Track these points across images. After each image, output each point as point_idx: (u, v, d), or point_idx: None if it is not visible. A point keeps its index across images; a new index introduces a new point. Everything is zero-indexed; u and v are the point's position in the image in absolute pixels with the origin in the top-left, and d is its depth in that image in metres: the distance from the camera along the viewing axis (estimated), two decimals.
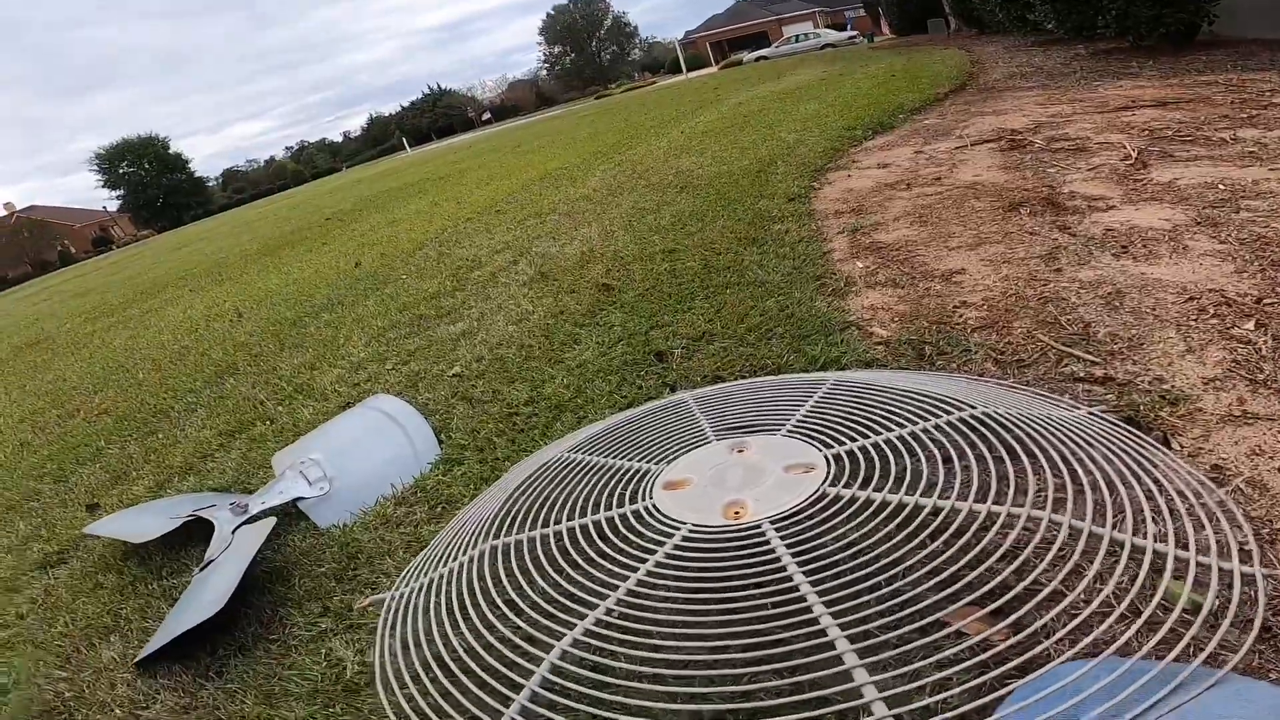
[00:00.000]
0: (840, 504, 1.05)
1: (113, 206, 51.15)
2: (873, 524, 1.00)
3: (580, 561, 1.08)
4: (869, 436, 1.24)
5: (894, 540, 0.96)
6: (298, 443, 2.13)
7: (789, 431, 1.33)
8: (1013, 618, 0.83)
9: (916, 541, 0.94)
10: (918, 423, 1.26)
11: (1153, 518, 0.99)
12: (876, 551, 0.95)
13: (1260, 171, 2.64)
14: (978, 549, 0.90)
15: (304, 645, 1.39)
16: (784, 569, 0.91)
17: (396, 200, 10.04)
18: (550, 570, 1.09)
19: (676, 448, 1.38)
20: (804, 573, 0.90)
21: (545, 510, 1.29)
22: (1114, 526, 0.92)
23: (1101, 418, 1.32)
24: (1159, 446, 1.23)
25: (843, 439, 1.25)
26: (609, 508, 1.21)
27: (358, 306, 4.03)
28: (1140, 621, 0.80)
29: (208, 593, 1.52)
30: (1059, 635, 0.86)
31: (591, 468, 1.40)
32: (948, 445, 1.19)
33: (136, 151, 49.70)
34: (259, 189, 56.98)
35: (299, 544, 1.75)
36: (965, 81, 6.96)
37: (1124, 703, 0.67)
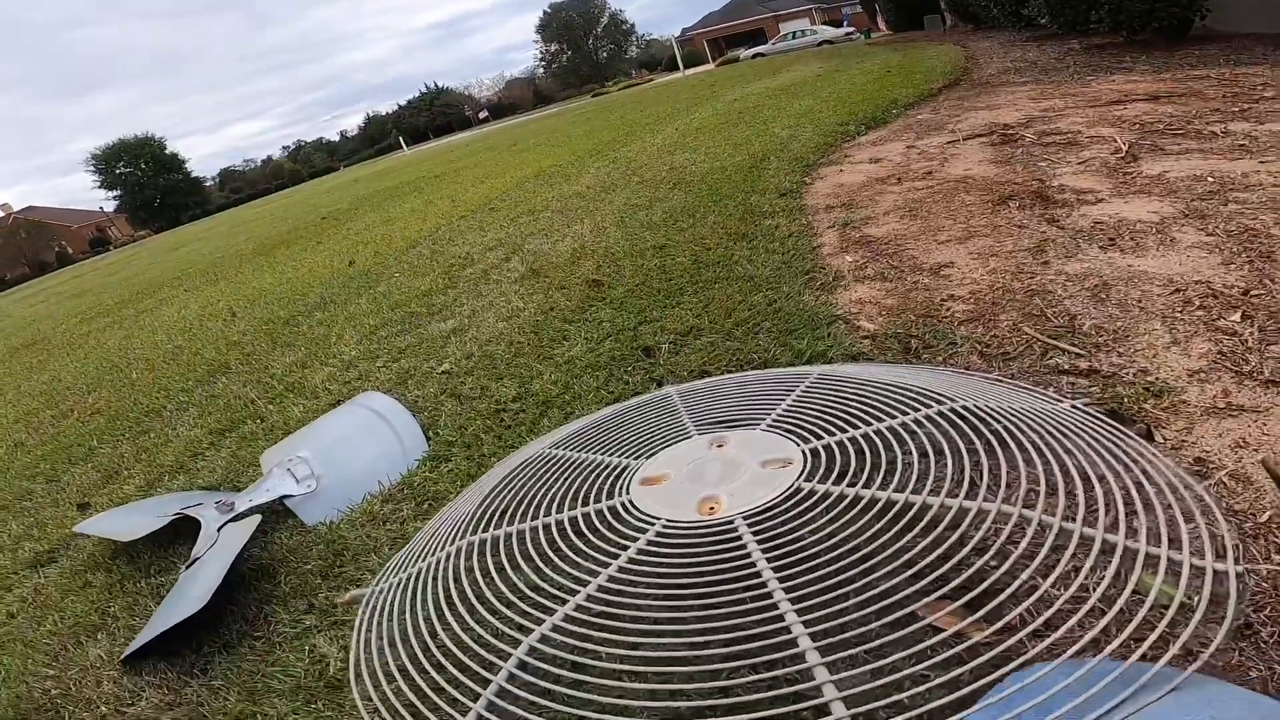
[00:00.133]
0: (814, 499, 1.05)
1: (110, 207, 51.16)
2: (845, 519, 0.99)
3: (554, 557, 1.08)
4: (848, 431, 1.24)
5: (866, 535, 0.96)
6: (286, 440, 2.13)
7: (769, 426, 1.32)
8: (983, 611, 0.83)
9: (889, 536, 0.93)
10: (898, 416, 1.26)
11: (1130, 513, 0.99)
12: (848, 547, 0.94)
13: (1250, 164, 2.64)
14: (948, 543, 0.89)
15: (288, 642, 1.39)
16: (754, 565, 0.91)
17: (392, 199, 10.03)
18: (525, 567, 1.09)
19: (657, 442, 1.38)
20: (773, 569, 0.90)
21: (523, 506, 1.29)
22: (1088, 523, 0.92)
23: (1084, 411, 1.31)
24: (1141, 440, 1.23)
25: (821, 433, 1.25)
26: (585, 503, 1.21)
27: (350, 305, 4.02)
28: (1110, 615, 0.79)
29: (193, 590, 1.52)
30: (1032, 627, 0.85)
31: (572, 463, 1.40)
32: (926, 440, 1.19)
33: (133, 152, 49.66)
34: (256, 189, 56.91)
35: (286, 541, 1.75)
36: (959, 77, 6.95)
37: (1087, 703, 0.67)
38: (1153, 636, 0.75)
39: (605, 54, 61.20)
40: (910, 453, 1.13)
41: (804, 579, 0.88)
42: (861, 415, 1.29)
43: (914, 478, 1.05)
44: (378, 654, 1.04)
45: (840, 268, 2.51)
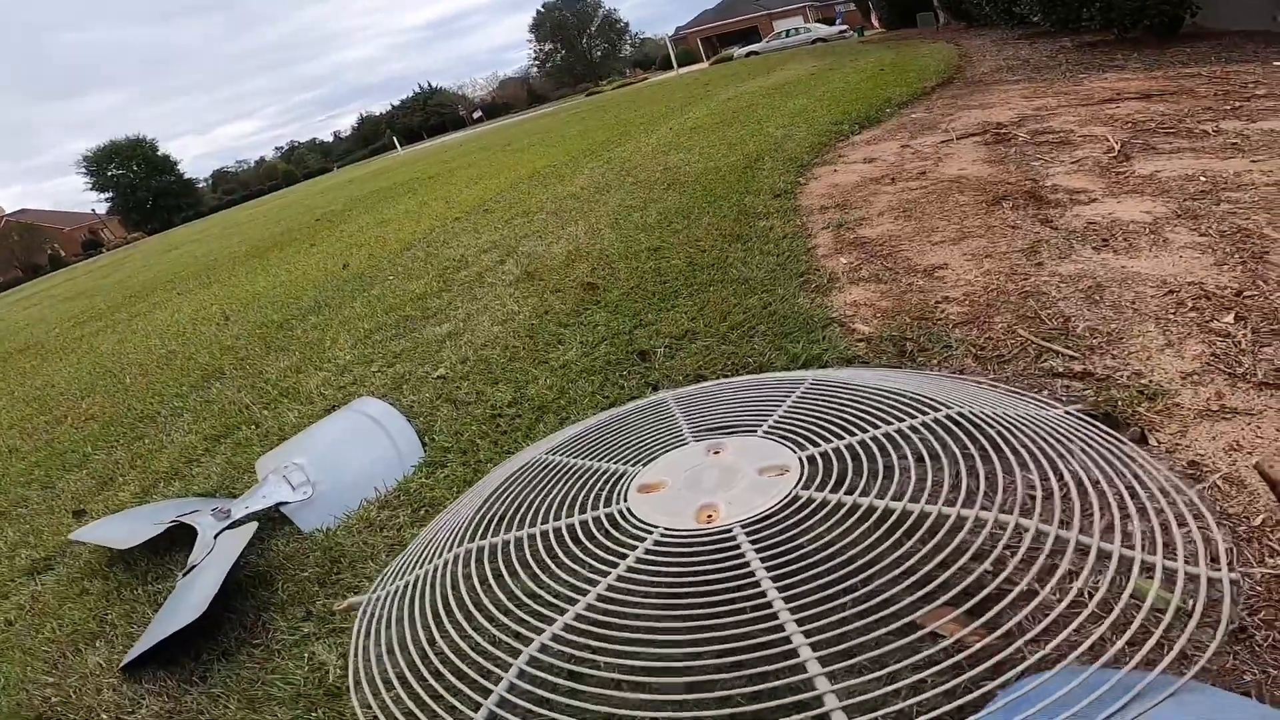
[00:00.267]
0: (812, 507, 1.05)
1: (102, 209, 50.92)
2: (844, 527, 1.00)
3: (552, 565, 1.08)
4: (844, 438, 1.24)
5: (864, 544, 0.96)
6: (281, 447, 2.12)
7: (766, 432, 1.33)
8: (984, 617, 0.83)
9: (888, 544, 0.94)
10: (894, 423, 1.26)
11: (1125, 519, 0.99)
12: (847, 555, 0.95)
13: (1242, 163, 2.65)
14: (947, 551, 0.90)
15: (287, 649, 1.39)
16: (753, 574, 0.91)
17: (386, 200, 10.00)
18: (523, 574, 1.09)
19: (654, 449, 1.38)
20: (772, 578, 0.90)
21: (521, 513, 1.29)
22: (1084, 530, 0.92)
23: (1078, 416, 1.32)
24: (1134, 445, 1.24)
25: (818, 440, 1.25)
26: (584, 511, 1.21)
27: (344, 309, 4.01)
28: (1105, 625, 0.80)
29: (191, 597, 1.51)
30: (1030, 635, 0.86)
31: (569, 470, 1.40)
32: (922, 446, 1.19)
33: (125, 153, 49.40)
34: (249, 190, 56.69)
35: (282, 548, 1.75)
36: (953, 75, 6.96)
37: (1089, 709, 0.67)
38: (1150, 642, 0.76)
39: (599, 53, 61.12)
40: (907, 459, 1.14)
41: (803, 588, 0.88)
42: (857, 422, 1.29)
43: (911, 484, 1.06)
44: (376, 661, 1.04)
45: (835, 270, 2.51)
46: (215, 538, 1.74)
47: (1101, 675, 0.72)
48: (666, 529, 1.07)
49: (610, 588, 0.97)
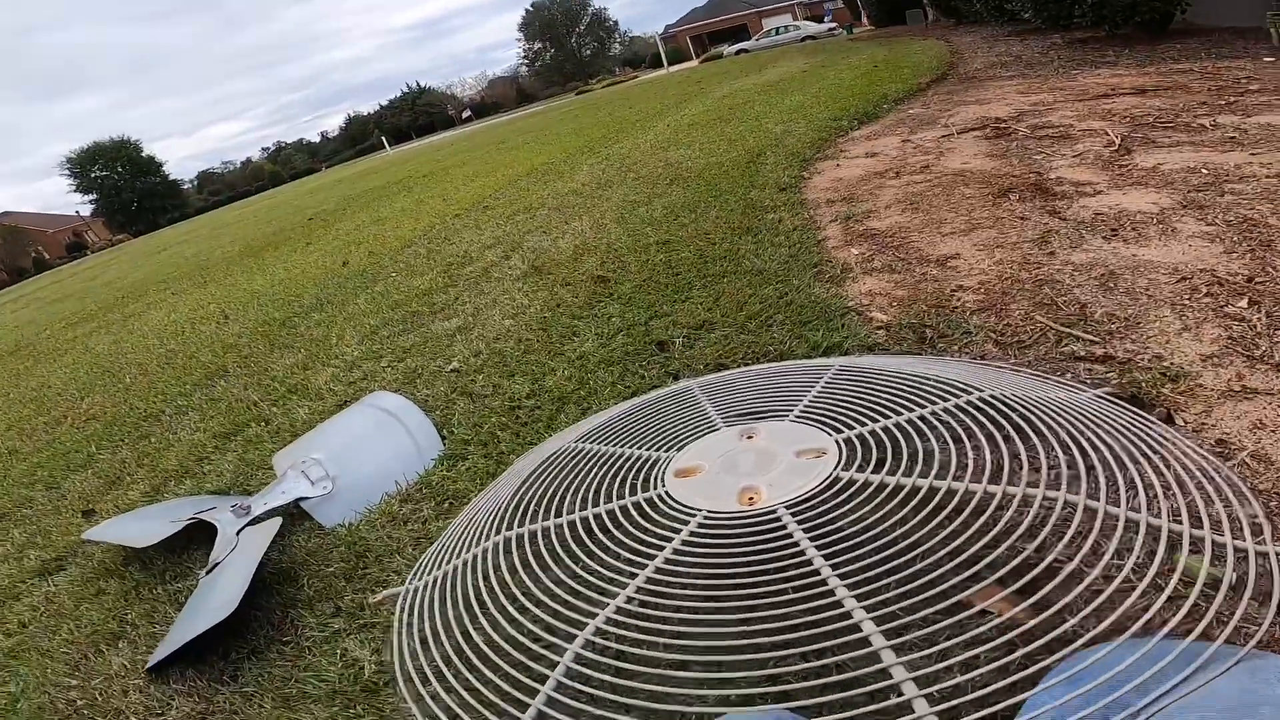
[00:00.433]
0: (855, 488, 1.06)
1: (86, 211, 50.36)
2: (888, 507, 1.00)
3: (596, 551, 1.08)
4: (877, 421, 1.25)
5: (911, 523, 0.97)
6: (297, 442, 2.11)
7: (797, 417, 1.33)
8: (1035, 596, 0.84)
9: (934, 524, 0.94)
10: (925, 406, 1.27)
11: (1164, 495, 1.01)
12: (894, 534, 0.95)
13: (1242, 156, 2.68)
14: (995, 530, 0.91)
15: (318, 646, 1.37)
16: (804, 553, 0.92)
17: (381, 198, 9.95)
18: (567, 560, 1.09)
19: (685, 435, 1.38)
20: (824, 556, 0.90)
21: (556, 501, 1.29)
22: (1128, 505, 0.94)
23: (1107, 398, 1.34)
24: (1163, 425, 1.25)
25: (851, 423, 1.26)
26: (620, 496, 1.21)
27: (348, 305, 3.99)
28: (1162, 599, 0.81)
29: (216, 596, 1.50)
30: (1084, 613, 0.87)
31: (600, 457, 1.40)
32: (957, 428, 1.20)
33: (109, 155, 48.91)
34: (236, 191, 56.26)
35: (304, 544, 1.74)
36: (946, 71, 7.00)
37: (1150, 681, 0.68)
38: (1208, 616, 0.77)
39: (588, 52, 61.08)
40: (945, 440, 1.15)
41: (854, 565, 0.88)
42: (890, 406, 1.30)
43: (952, 465, 1.07)
44: (422, 652, 1.04)
45: (847, 260, 2.52)
46: (238, 534, 1.73)
47: (1165, 646, 0.72)
48: (710, 512, 1.07)
49: (658, 570, 0.97)
